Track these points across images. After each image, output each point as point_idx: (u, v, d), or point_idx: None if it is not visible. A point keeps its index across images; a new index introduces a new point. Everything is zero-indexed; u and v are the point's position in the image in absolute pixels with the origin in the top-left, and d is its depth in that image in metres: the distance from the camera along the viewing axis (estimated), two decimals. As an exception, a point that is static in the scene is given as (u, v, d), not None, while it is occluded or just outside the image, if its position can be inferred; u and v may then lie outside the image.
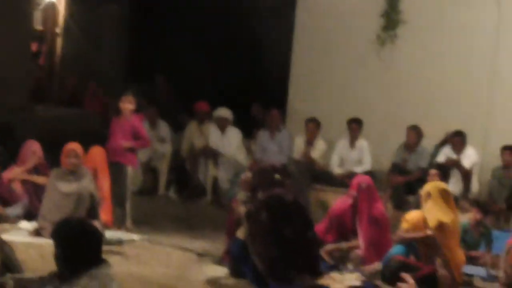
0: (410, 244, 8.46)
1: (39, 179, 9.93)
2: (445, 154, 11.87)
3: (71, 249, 4.03)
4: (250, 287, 7.88)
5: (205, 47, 16.97)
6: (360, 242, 8.91)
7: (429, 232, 8.30)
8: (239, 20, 16.68)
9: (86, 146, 9.83)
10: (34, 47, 15.93)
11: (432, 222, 8.25)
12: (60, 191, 9.20)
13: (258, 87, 16.56)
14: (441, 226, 8.25)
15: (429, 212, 8.33)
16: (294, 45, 13.97)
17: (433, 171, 10.12)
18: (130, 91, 10.61)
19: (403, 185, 11.73)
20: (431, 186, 8.61)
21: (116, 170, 10.13)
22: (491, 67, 12.54)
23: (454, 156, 11.79)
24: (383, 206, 9.56)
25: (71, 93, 16.77)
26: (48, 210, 9.14)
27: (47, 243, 7.80)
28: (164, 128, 13.17)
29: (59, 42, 16.45)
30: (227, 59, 17.07)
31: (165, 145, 13.08)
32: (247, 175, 8.63)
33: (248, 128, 13.79)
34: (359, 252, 8.88)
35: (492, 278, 8.66)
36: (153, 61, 16.77)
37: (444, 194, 8.61)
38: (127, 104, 10.29)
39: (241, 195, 8.52)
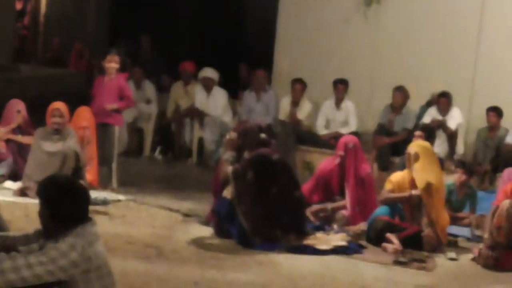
0: (395, 205, 8.49)
1: (24, 139, 9.87)
2: (431, 115, 11.88)
3: (57, 206, 3.99)
4: (235, 246, 7.90)
5: (190, 6, 16.89)
6: (346, 202, 8.93)
7: (413, 192, 8.32)
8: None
9: (71, 106, 9.78)
10: (19, 5, 15.80)
11: (420, 182, 8.27)
12: (45, 151, 9.17)
13: (244, 47, 16.52)
14: (428, 187, 8.27)
15: (417, 173, 8.34)
16: (280, 5, 13.90)
17: (418, 133, 10.12)
18: (114, 50, 10.52)
19: (389, 146, 11.74)
20: (418, 146, 8.60)
21: (103, 131, 10.08)
22: (478, 28, 12.51)
23: (439, 117, 11.80)
24: (369, 167, 9.58)
25: (56, 53, 16.67)
26: (33, 169, 9.11)
27: (32, 203, 7.82)
28: (149, 89, 13.11)
29: (43, 1, 16.32)
30: (213, 18, 17.00)
31: (150, 105, 13.03)
32: (232, 134, 8.59)
33: (234, 88, 13.76)
34: (345, 212, 8.90)
35: (476, 239, 8.70)
36: (138, 20, 16.67)
37: (431, 154, 8.63)
38: (112, 63, 10.21)
39: (227, 155, 8.48)
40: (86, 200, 4.11)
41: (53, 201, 4.00)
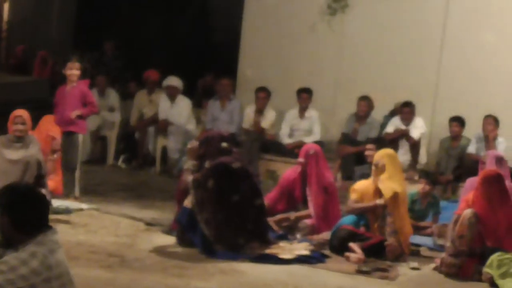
0: (360, 214, 8.51)
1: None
2: (394, 124, 11.97)
3: (17, 214, 3.95)
4: (198, 255, 7.89)
5: (155, 14, 16.86)
6: (310, 210, 8.94)
7: (378, 201, 8.35)
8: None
9: (35, 113, 9.70)
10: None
11: (387, 192, 8.29)
12: (7, 158, 9.05)
13: (208, 56, 16.52)
14: (395, 196, 8.31)
15: (383, 183, 8.37)
16: (244, 13, 13.93)
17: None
18: (75, 57, 10.45)
19: (353, 155, 11.79)
20: (385, 155, 8.61)
21: (67, 139, 9.98)
22: (440, 38, 12.62)
23: (403, 126, 11.89)
24: (332, 176, 9.61)
25: (19, 60, 16.55)
26: (-6, 177, 9.01)
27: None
28: (113, 97, 13.07)
29: (6, 8, 16.20)
30: (177, 26, 16.98)
31: (114, 113, 12.99)
32: (193, 143, 8.59)
33: (198, 97, 13.76)
34: (308, 221, 8.91)
35: (439, 248, 8.74)
36: (102, 27, 16.61)
37: (397, 163, 8.69)
38: (74, 71, 10.12)
39: (188, 164, 8.48)
40: (46, 208, 4.08)
41: (13, 209, 3.96)
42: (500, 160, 9.22)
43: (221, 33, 16.89)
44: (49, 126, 9.81)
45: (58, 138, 9.69)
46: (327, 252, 8.32)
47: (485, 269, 7.68)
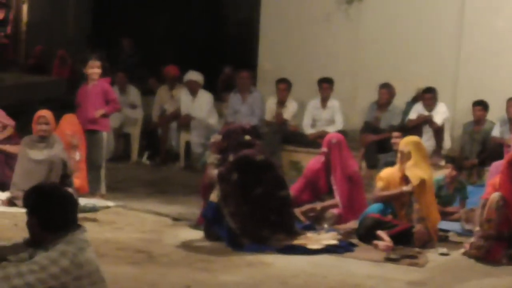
0: (387, 202, 8.49)
1: (11, 148, 9.81)
2: (417, 111, 11.92)
3: (45, 214, 3.96)
4: (225, 248, 7.91)
5: (172, 9, 16.89)
6: (337, 200, 8.94)
7: (404, 188, 8.34)
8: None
9: (55, 112, 9.76)
10: (1, 15, 15.76)
11: (414, 179, 8.29)
12: (32, 159, 9.15)
13: (227, 49, 16.54)
14: (422, 183, 8.31)
15: (410, 170, 8.36)
16: (262, 6, 13.92)
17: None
18: (95, 56, 10.46)
19: (376, 143, 11.77)
20: (411, 142, 8.59)
21: (91, 137, 10.00)
22: (459, 22, 12.57)
23: (425, 112, 11.84)
24: (356, 165, 9.58)
25: (38, 60, 16.64)
26: (20, 178, 9.09)
27: (21, 212, 7.76)
28: (134, 93, 13.08)
29: (25, 9, 16.29)
30: (194, 20, 17.00)
31: (136, 110, 13.01)
32: (216, 137, 8.59)
33: (218, 91, 13.77)
34: (335, 211, 8.91)
35: (467, 233, 8.72)
36: (119, 24, 16.66)
37: (422, 150, 8.67)
38: (95, 69, 10.12)
39: (212, 158, 8.49)
40: (73, 207, 4.09)
41: (40, 209, 3.97)
42: (526, 142, 9.18)
43: (236, 26, 16.92)
44: (67, 124, 9.85)
45: (76, 136, 9.71)
46: (354, 241, 8.31)
47: (514, 252, 7.71)
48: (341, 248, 7.98)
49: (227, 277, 7.01)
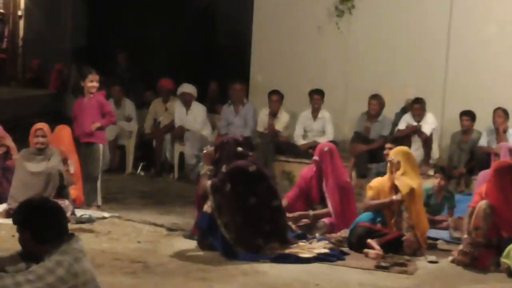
0: (377, 211, 8.63)
1: (11, 162, 9.91)
2: (406, 121, 12.07)
3: (35, 228, 4.02)
4: (220, 258, 7.96)
5: (165, 22, 16.99)
6: (329, 208, 9.07)
7: (394, 197, 8.47)
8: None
9: (52, 125, 9.85)
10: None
11: (404, 189, 8.41)
12: (29, 171, 9.20)
13: (219, 61, 16.63)
14: (412, 192, 8.42)
15: (400, 179, 8.49)
16: (254, 19, 14.04)
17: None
18: (93, 70, 10.52)
19: (366, 153, 11.92)
20: (400, 152, 8.75)
21: (88, 150, 10.04)
22: (447, 33, 12.72)
23: (414, 123, 12.00)
24: (347, 174, 9.70)
25: (35, 74, 16.74)
26: (18, 190, 9.12)
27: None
28: (129, 107, 13.22)
29: (21, 24, 16.39)
30: (188, 33, 17.10)
31: (131, 123, 13.15)
32: (208, 149, 8.65)
33: (209, 103, 13.89)
34: (326, 220, 9.02)
35: (455, 241, 8.81)
36: (113, 38, 16.76)
37: (412, 160, 8.80)
38: (94, 83, 10.15)
39: (205, 169, 8.55)
40: (63, 217, 4.15)
41: (32, 223, 4.04)
42: (513, 151, 9.31)
43: (228, 38, 17.03)
44: (57, 137, 9.93)
45: (65, 148, 9.79)
46: (345, 249, 8.42)
47: (503, 259, 7.77)
48: (332, 257, 8.05)
49: (222, 286, 7.05)
